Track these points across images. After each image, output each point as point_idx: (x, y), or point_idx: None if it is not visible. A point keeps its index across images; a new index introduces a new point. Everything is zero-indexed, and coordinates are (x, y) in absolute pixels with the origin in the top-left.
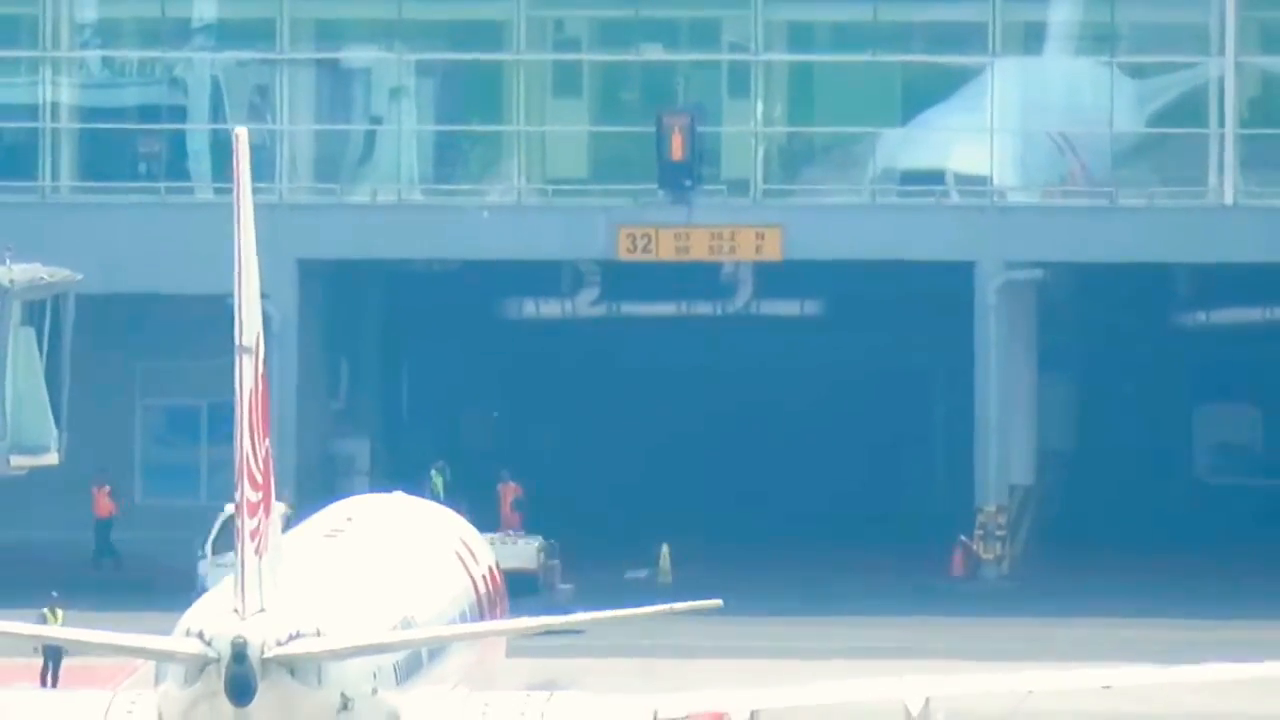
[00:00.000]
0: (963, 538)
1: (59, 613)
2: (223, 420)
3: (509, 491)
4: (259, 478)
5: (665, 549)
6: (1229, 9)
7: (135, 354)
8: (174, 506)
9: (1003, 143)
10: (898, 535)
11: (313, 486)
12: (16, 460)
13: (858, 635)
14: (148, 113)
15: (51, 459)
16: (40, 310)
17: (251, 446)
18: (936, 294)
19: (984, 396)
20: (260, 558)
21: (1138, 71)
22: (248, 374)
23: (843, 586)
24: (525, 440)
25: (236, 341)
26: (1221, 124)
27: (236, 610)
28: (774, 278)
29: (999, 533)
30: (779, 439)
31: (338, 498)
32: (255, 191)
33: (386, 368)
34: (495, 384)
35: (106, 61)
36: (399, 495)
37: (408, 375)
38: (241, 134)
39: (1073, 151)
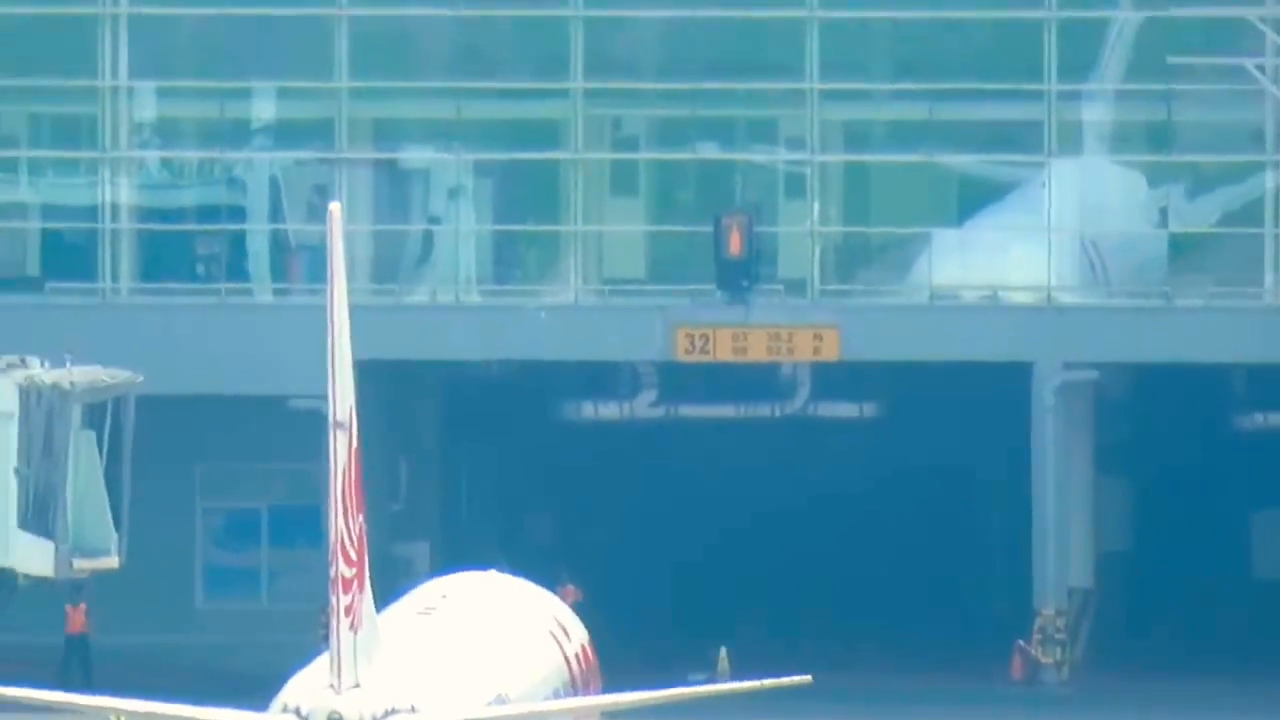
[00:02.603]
0: (1021, 641)
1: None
2: (283, 523)
3: (568, 594)
4: (353, 554)
5: (724, 651)
6: None
7: (195, 456)
8: (234, 610)
9: (1059, 243)
10: (955, 638)
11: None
12: (78, 563)
13: None
14: (206, 213)
15: (112, 562)
16: (100, 412)
17: (345, 523)
18: (993, 394)
19: (1042, 498)
20: (355, 633)
21: (1193, 171)
22: (341, 450)
23: (901, 689)
24: (583, 541)
25: (330, 418)
26: (1277, 224)
27: (332, 686)
28: (831, 377)
29: (1058, 636)
30: (836, 540)
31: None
32: (312, 293)
33: (445, 469)
34: (554, 485)
35: (165, 162)
36: (493, 573)
37: (466, 476)
38: (335, 209)
39: (1099, 259)
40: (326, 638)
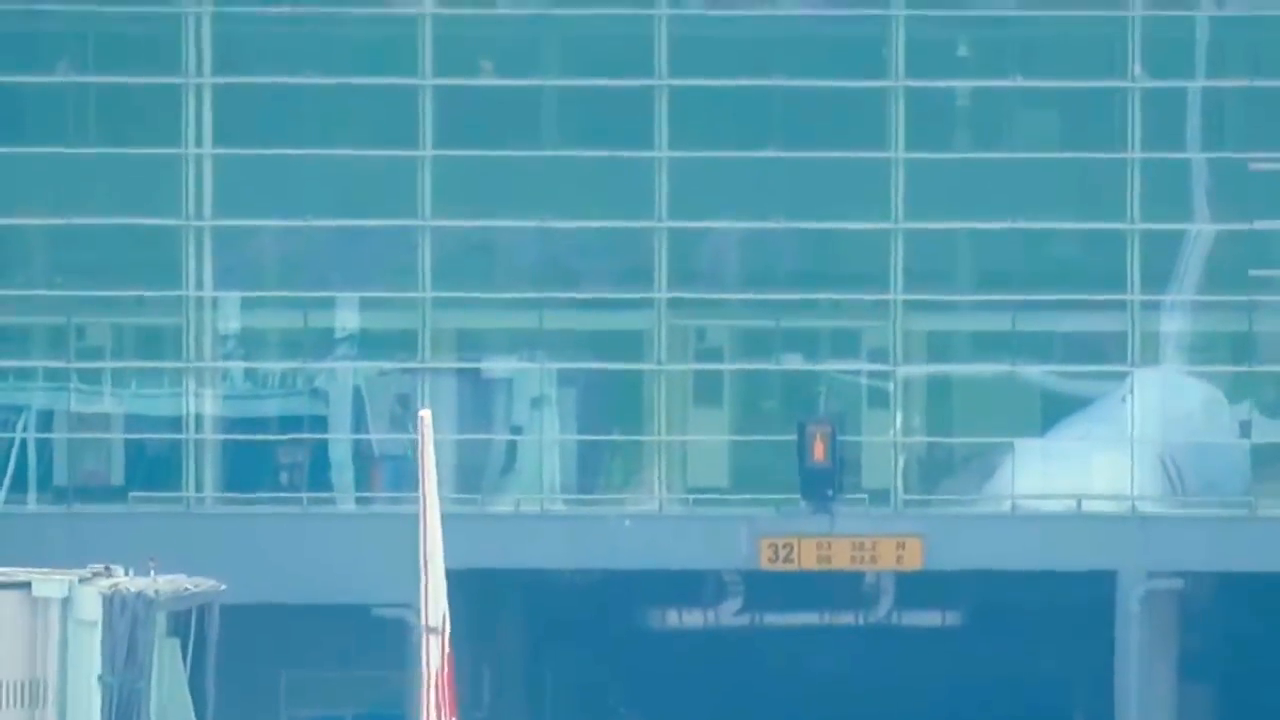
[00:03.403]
0: None
1: None
2: None
3: None
4: None
5: None
6: None
7: (280, 664)
8: None
9: (1142, 453)
10: None
11: None
12: None
13: None
14: (289, 423)
15: None
16: (185, 621)
17: None
18: (1077, 602)
19: (1125, 705)
20: None
21: (1275, 382)
22: (434, 653)
23: None
24: None
25: (423, 623)
26: None
27: None
28: (915, 585)
29: None
30: None
31: None
32: (398, 502)
33: (529, 676)
34: (639, 692)
35: (249, 372)
36: None
37: (550, 683)
38: (426, 415)
39: (1177, 472)
40: None
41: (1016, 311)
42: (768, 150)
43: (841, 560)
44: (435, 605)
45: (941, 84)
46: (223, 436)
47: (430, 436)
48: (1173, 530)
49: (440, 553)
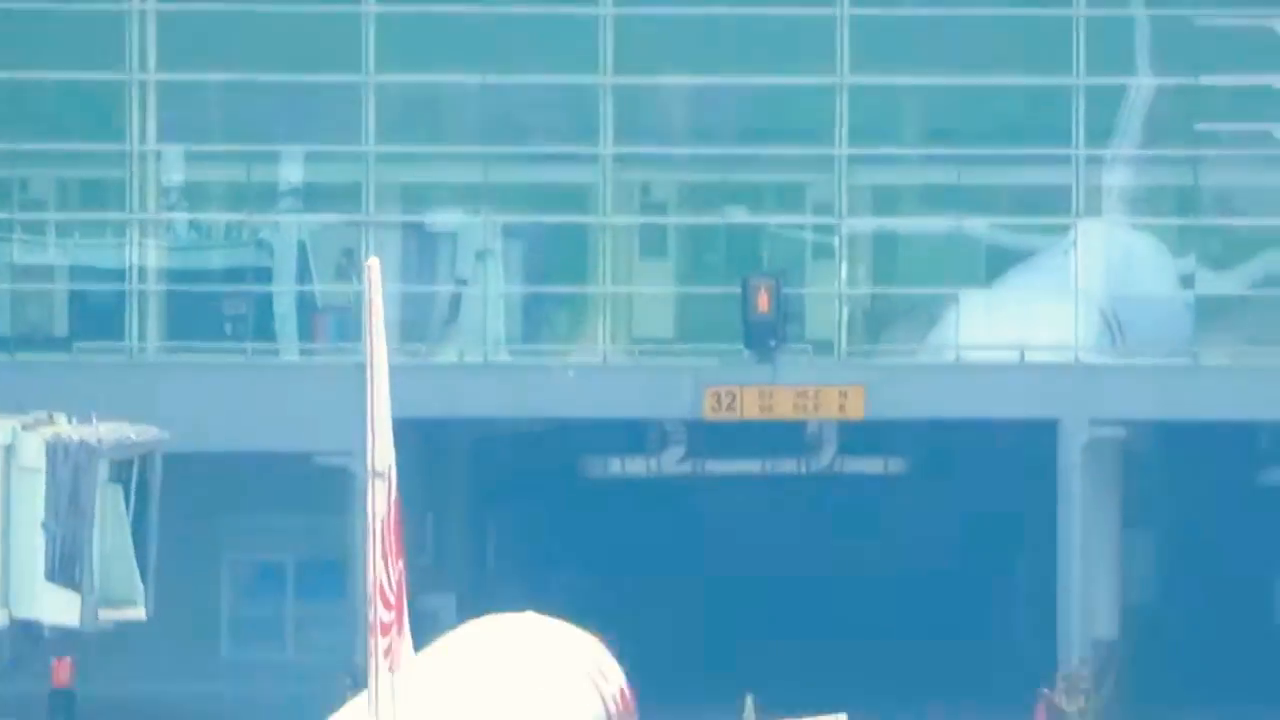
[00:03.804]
0: (1045, 690)
1: None
2: (308, 576)
3: None
4: (392, 599)
5: (749, 699)
6: None
7: (222, 510)
8: (259, 661)
9: (1086, 305)
10: (980, 688)
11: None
12: (104, 614)
13: None
14: (233, 275)
15: (138, 613)
16: (127, 468)
17: (384, 568)
18: (1019, 450)
19: (1067, 552)
20: (393, 676)
21: (1219, 235)
22: (380, 498)
23: None
24: (609, 594)
25: (369, 468)
26: None
27: None
28: (858, 435)
29: (1082, 686)
30: (861, 593)
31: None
32: (341, 353)
33: (473, 523)
34: (581, 539)
35: (193, 224)
36: (530, 615)
37: (494, 531)
38: (374, 264)
39: (1118, 325)
40: (352, 689)
41: (961, 165)
42: (713, 6)
43: (784, 409)
44: (381, 450)
45: None
46: (167, 287)
47: (379, 284)
48: (1115, 380)
49: (387, 397)
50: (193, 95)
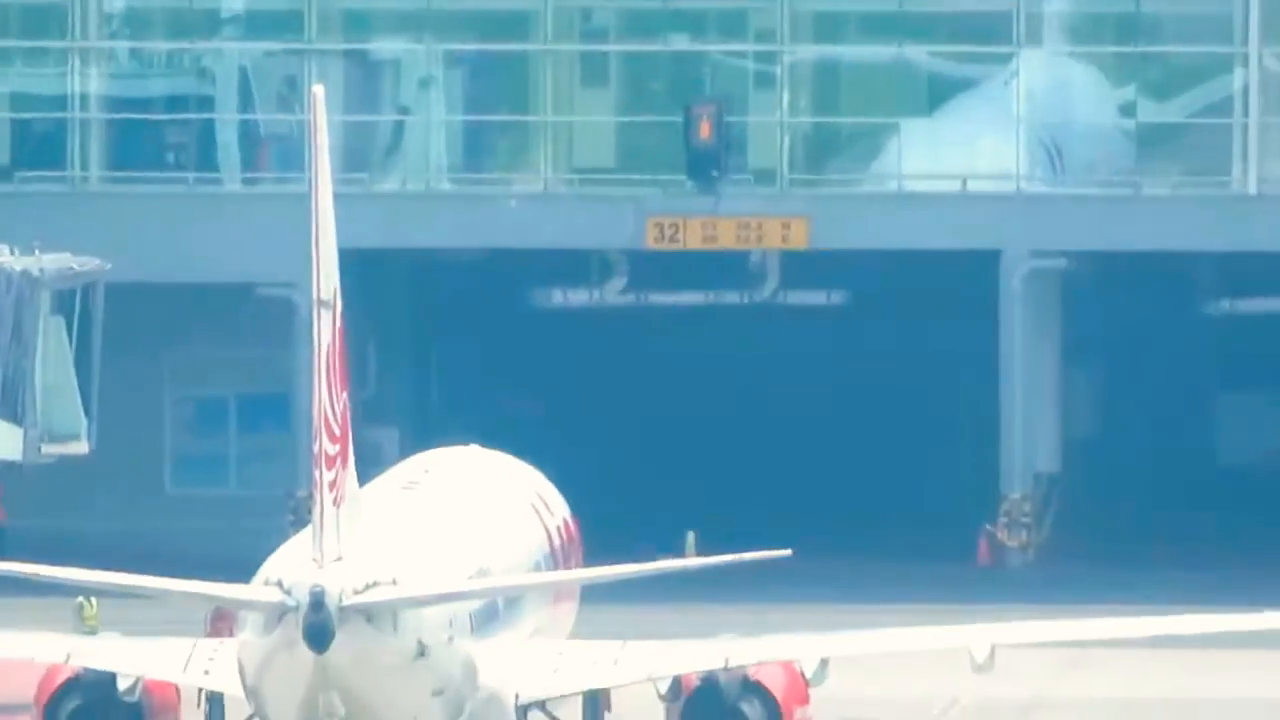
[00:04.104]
0: (988, 525)
1: (94, 601)
2: (251, 410)
3: None
4: (336, 430)
5: (690, 536)
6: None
7: (164, 343)
8: (202, 496)
9: (1028, 134)
10: (922, 522)
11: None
12: (47, 448)
13: (882, 623)
14: (176, 103)
15: (81, 447)
16: (70, 300)
17: (329, 398)
18: (962, 282)
19: (1009, 384)
20: (338, 508)
21: (1161, 63)
22: (325, 328)
23: (867, 572)
24: (552, 426)
25: (315, 296)
26: (1245, 113)
27: (315, 560)
28: (801, 266)
29: (1024, 520)
30: (804, 427)
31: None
32: (284, 182)
33: (415, 356)
34: (523, 371)
35: (135, 52)
36: (475, 448)
37: (436, 363)
38: (318, 91)
39: (1057, 152)
40: (295, 523)
41: None
42: None
43: (727, 240)
44: (326, 278)
45: None
46: (109, 116)
47: (323, 112)
48: (1056, 209)
49: (332, 224)
50: None
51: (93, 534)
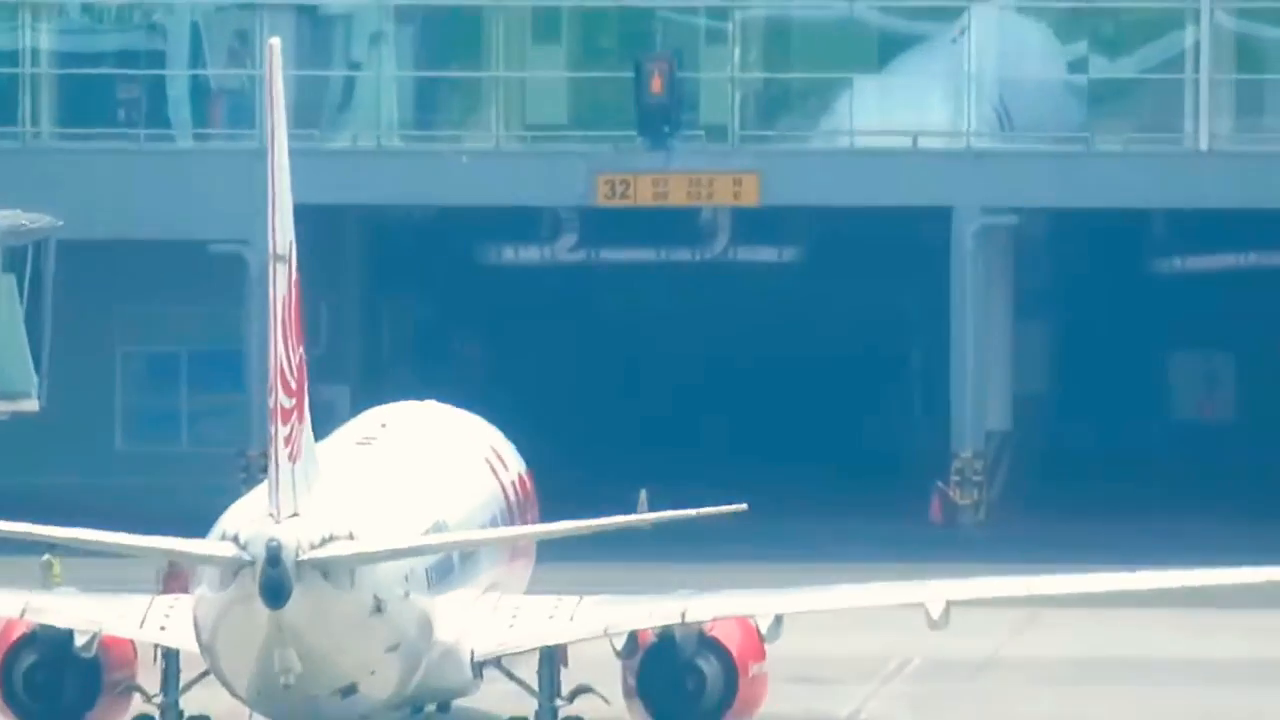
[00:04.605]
0: (940, 483)
1: (57, 559)
2: (203, 367)
3: None
4: (292, 384)
5: (643, 494)
6: None
7: (115, 301)
8: (154, 453)
9: (979, 91)
10: (875, 481)
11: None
12: None
13: (835, 581)
14: (127, 58)
15: (32, 405)
16: (20, 256)
17: (285, 352)
18: (914, 239)
19: (961, 341)
20: (294, 464)
21: (1113, 18)
22: (280, 282)
23: (819, 530)
24: (504, 385)
25: (270, 250)
26: (1196, 70)
27: (271, 515)
28: (752, 223)
29: (976, 478)
30: (756, 384)
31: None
32: (235, 139)
33: (366, 313)
34: (475, 328)
35: (86, 7)
36: (431, 403)
37: (388, 320)
38: (275, 43)
39: (1005, 110)
40: (247, 481)
41: None
42: None
43: (678, 196)
44: (282, 232)
45: None
46: (60, 71)
47: (279, 65)
48: (1008, 166)
49: (287, 177)
50: None
51: (44, 491)
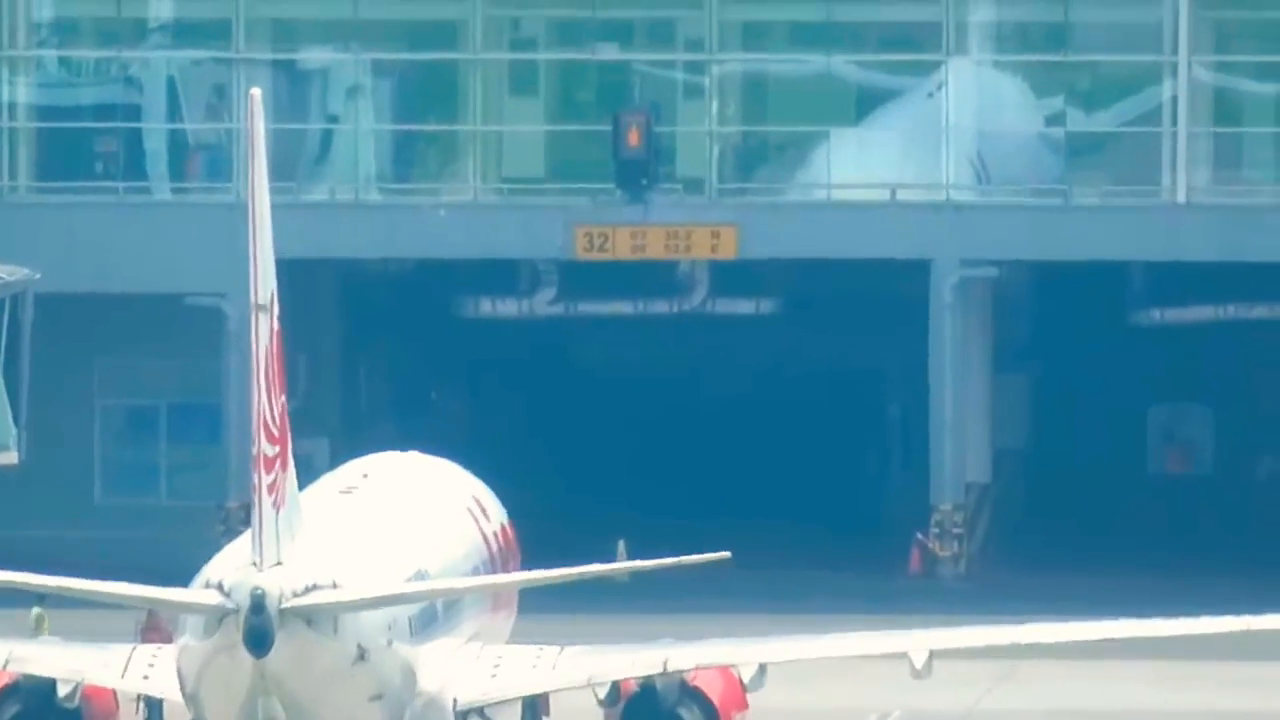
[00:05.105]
0: (919, 535)
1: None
2: (182, 420)
3: None
4: (275, 432)
5: (622, 544)
6: (1182, 9)
7: (94, 353)
8: (133, 506)
9: (957, 144)
10: (854, 533)
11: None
12: None
13: (815, 633)
14: (104, 112)
15: (10, 458)
16: None
17: (268, 401)
18: (892, 292)
19: (940, 394)
20: (277, 512)
21: (1090, 72)
22: (263, 331)
23: (799, 582)
24: (482, 437)
25: (252, 300)
26: (1174, 123)
27: (254, 563)
28: (730, 276)
29: (955, 531)
30: (735, 437)
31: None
32: (213, 192)
33: (344, 366)
34: (453, 381)
35: (63, 61)
36: (414, 454)
37: (365, 374)
38: (256, 94)
39: (982, 164)
40: (226, 534)
41: (831, 2)
42: None
43: (656, 249)
44: (264, 282)
45: None
46: (37, 124)
47: (260, 115)
48: (986, 219)
49: (269, 227)
50: None
51: (22, 543)
